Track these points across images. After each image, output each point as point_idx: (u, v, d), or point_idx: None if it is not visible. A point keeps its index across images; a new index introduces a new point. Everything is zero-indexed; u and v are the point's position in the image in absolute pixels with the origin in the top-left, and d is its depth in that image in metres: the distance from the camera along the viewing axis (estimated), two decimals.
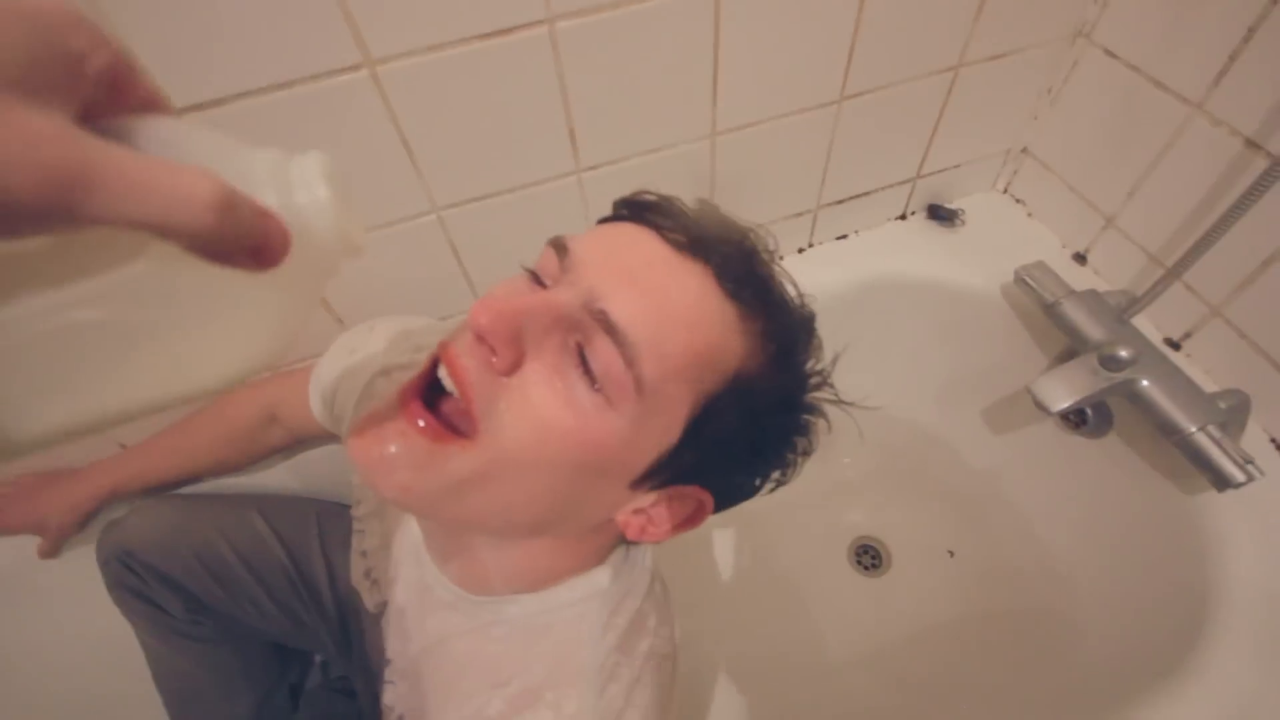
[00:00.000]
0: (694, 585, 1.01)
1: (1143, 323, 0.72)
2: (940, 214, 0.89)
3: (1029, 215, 0.89)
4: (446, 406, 0.34)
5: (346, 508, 0.59)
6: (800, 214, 0.83)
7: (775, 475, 0.42)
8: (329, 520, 0.74)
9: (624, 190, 0.67)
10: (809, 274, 0.86)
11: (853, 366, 0.95)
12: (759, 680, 0.95)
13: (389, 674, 0.50)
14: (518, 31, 0.53)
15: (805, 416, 0.40)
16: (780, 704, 0.93)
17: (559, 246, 0.35)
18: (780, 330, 0.36)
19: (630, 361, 0.31)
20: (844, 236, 0.89)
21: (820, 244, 0.88)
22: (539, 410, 0.32)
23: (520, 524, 0.37)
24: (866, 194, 0.84)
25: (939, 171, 0.85)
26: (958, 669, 0.92)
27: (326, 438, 0.65)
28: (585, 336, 0.32)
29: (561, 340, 0.33)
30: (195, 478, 0.74)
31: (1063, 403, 0.66)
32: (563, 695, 0.38)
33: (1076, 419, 0.80)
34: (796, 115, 0.69)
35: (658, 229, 0.35)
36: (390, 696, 0.49)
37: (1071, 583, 0.86)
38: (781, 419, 0.39)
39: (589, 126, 0.62)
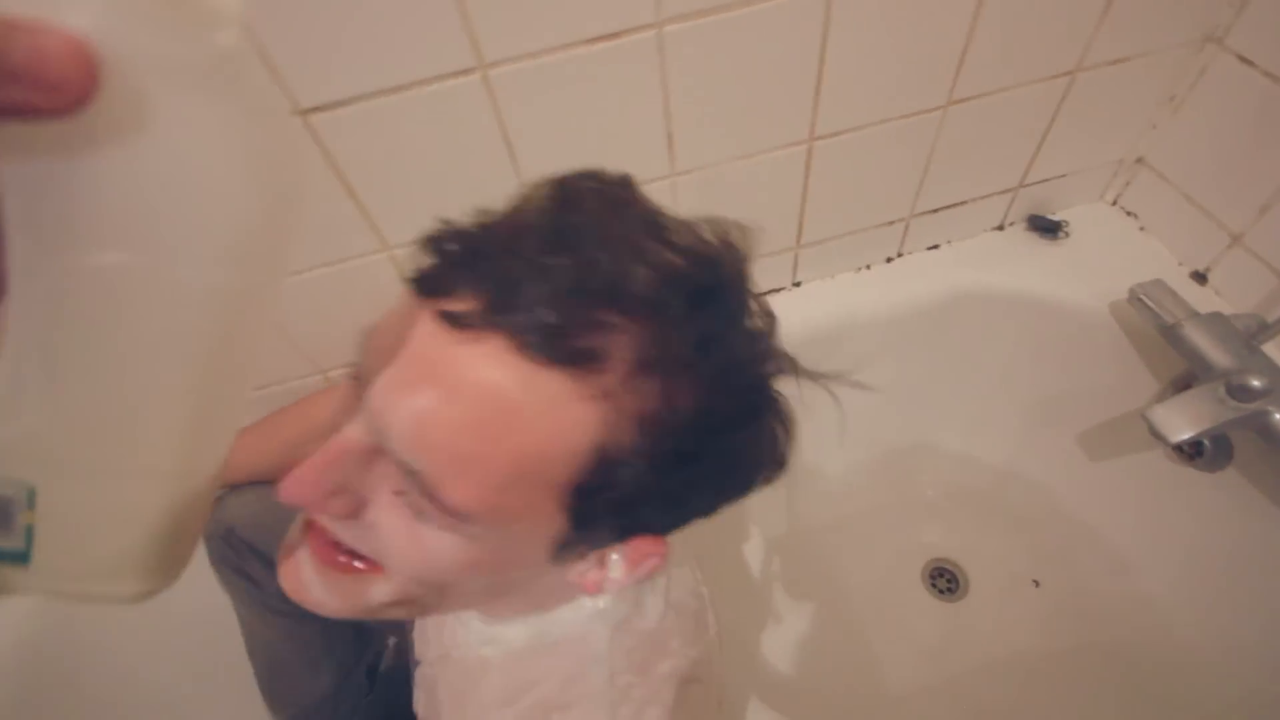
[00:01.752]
0: (755, 600, 0.99)
1: (1274, 351, 0.67)
2: (1042, 225, 0.84)
3: (1141, 229, 0.83)
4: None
5: None
6: (892, 222, 0.80)
7: (753, 481, 0.34)
8: None
9: (715, 197, 0.68)
10: (897, 285, 0.84)
11: (937, 380, 0.93)
12: (821, 701, 0.93)
13: (416, 677, 0.51)
14: (625, 36, 0.53)
15: (754, 420, 0.31)
16: None
17: (359, 350, 0.29)
18: (663, 364, 0.27)
19: (429, 494, 0.26)
20: (935, 246, 0.86)
21: (910, 254, 0.85)
22: (395, 546, 0.29)
23: (473, 605, 0.38)
24: (963, 203, 0.80)
25: (1043, 181, 0.81)
26: (1040, 702, 0.88)
27: None
28: (400, 464, 0.27)
29: (383, 471, 0.28)
30: (274, 478, 0.74)
31: (1184, 433, 0.62)
32: (571, 714, 0.37)
33: (1191, 450, 0.74)
34: (899, 120, 0.67)
35: (436, 303, 0.27)
36: (416, 701, 0.50)
37: (1172, 620, 0.81)
38: (712, 445, 0.29)
39: (688, 131, 0.61)
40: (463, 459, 0.26)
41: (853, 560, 1.03)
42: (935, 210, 0.80)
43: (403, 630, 0.80)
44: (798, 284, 0.85)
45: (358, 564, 0.31)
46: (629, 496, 0.28)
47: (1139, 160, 0.81)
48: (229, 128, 0.17)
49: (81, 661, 0.76)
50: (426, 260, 0.28)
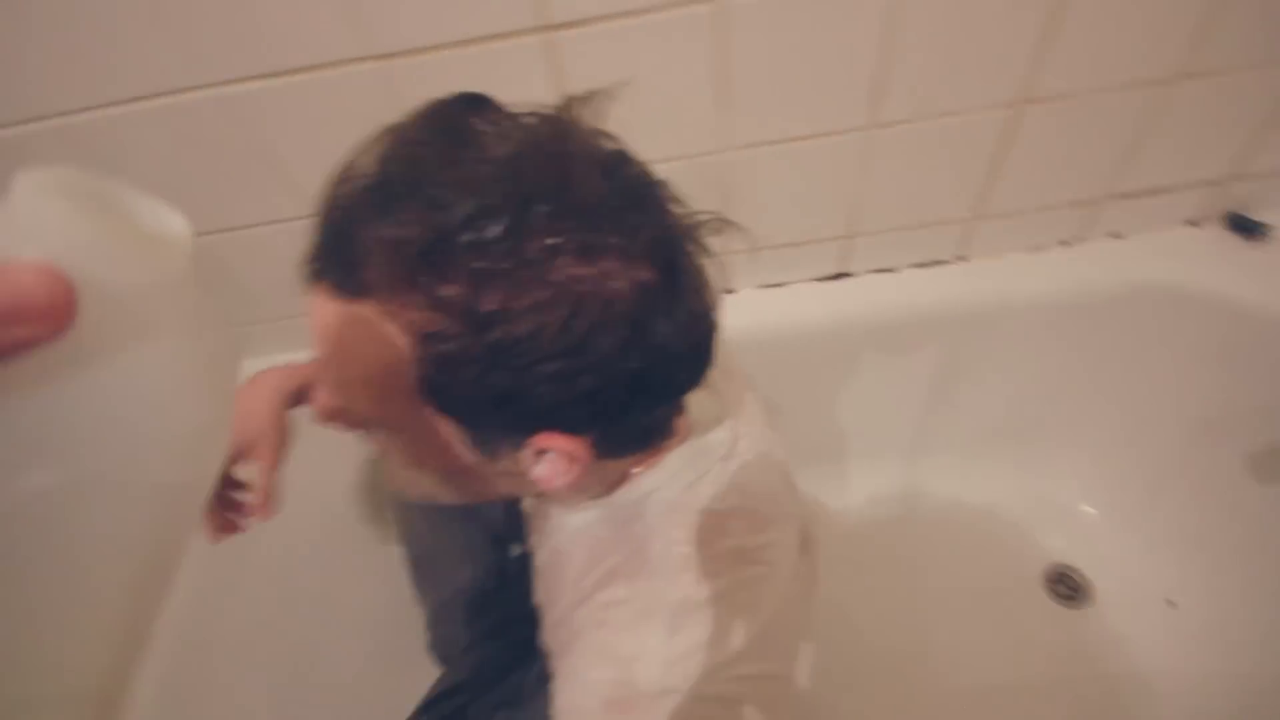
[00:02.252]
0: (867, 576, 0.99)
1: None
2: (1244, 225, 0.78)
3: None
4: None
5: None
6: (1081, 202, 0.77)
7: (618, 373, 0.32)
8: None
9: (913, 152, 0.67)
10: (1071, 271, 0.81)
11: (1097, 375, 0.89)
12: (916, 685, 0.92)
13: (533, 573, 0.56)
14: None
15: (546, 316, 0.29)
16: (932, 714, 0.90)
17: None
18: (421, 280, 0.29)
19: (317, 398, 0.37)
20: (1120, 235, 0.82)
21: (1091, 240, 0.82)
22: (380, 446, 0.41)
23: (511, 493, 0.46)
24: (1164, 190, 0.76)
25: (1256, 176, 0.75)
26: None
27: None
28: None
29: None
30: None
31: None
32: (637, 576, 0.41)
33: None
34: (1116, 92, 0.64)
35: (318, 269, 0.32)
36: (535, 592, 0.55)
37: None
38: (508, 337, 0.29)
39: (747, 104, 0.62)
40: (336, 382, 0.35)
41: (971, 551, 1.01)
42: (1132, 194, 0.76)
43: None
44: (963, 258, 0.83)
45: None
46: (472, 394, 0.31)
47: None
48: (181, 345, 0.18)
49: None
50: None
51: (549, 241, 0.28)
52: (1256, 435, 0.82)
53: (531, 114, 0.31)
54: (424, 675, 0.85)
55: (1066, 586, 0.98)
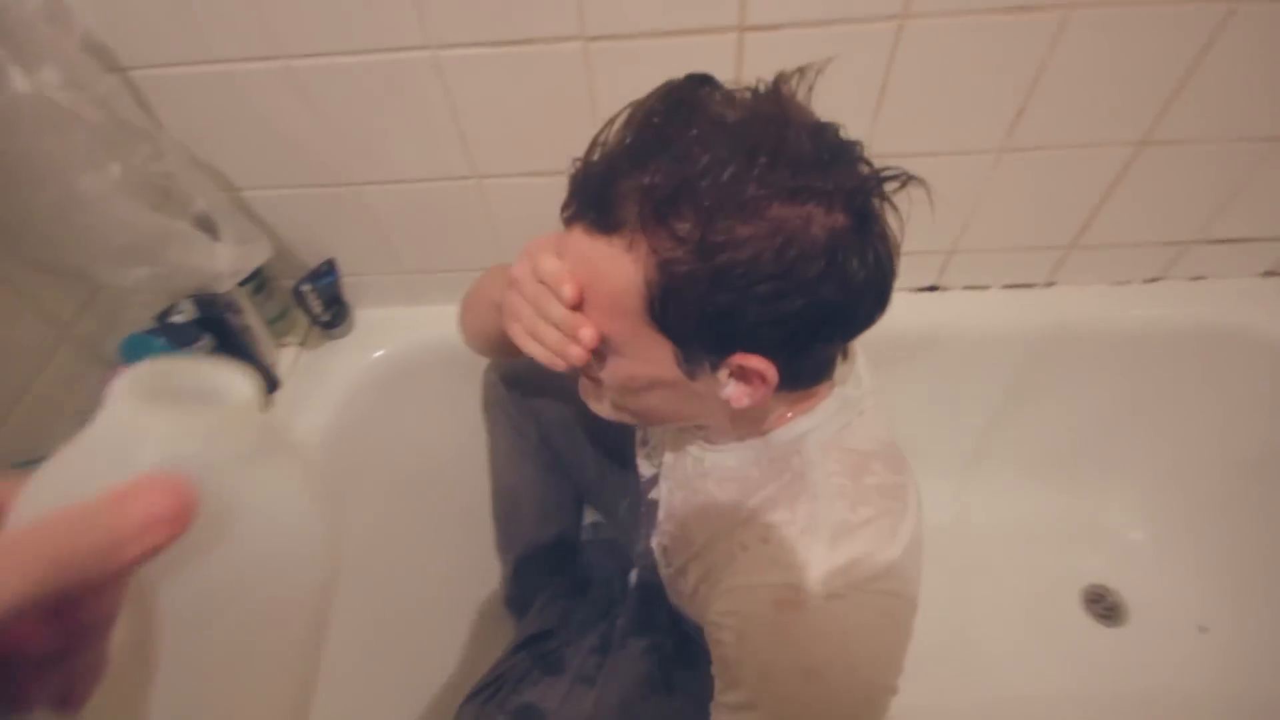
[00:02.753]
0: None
1: None
2: None
3: None
4: None
5: None
6: (1171, 243, 0.82)
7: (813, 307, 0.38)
8: None
9: (1032, 178, 0.72)
10: (1150, 309, 0.86)
11: (1156, 407, 0.94)
12: (959, 685, 0.97)
13: (660, 521, 0.62)
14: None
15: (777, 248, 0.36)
16: None
17: None
18: (691, 226, 0.36)
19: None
20: (1200, 278, 0.87)
21: (1172, 279, 0.87)
22: (602, 373, 0.46)
23: (678, 421, 0.52)
24: (1248, 240, 0.82)
25: None
26: None
27: None
28: None
29: None
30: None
31: None
32: (797, 501, 0.47)
33: None
34: (1229, 144, 0.70)
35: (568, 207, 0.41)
36: (658, 539, 0.62)
37: None
38: (726, 269, 0.36)
39: (895, 116, 0.68)
40: (589, 305, 0.41)
41: (1013, 563, 1.06)
42: (1221, 241, 0.82)
43: (610, 511, 0.91)
44: (1051, 284, 0.88)
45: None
46: (694, 316, 0.38)
47: None
48: (287, 472, 0.21)
49: None
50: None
51: (765, 188, 0.35)
52: None
53: (749, 89, 0.39)
54: (502, 631, 0.89)
55: (1104, 606, 1.03)
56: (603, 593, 0.88)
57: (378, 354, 0.89)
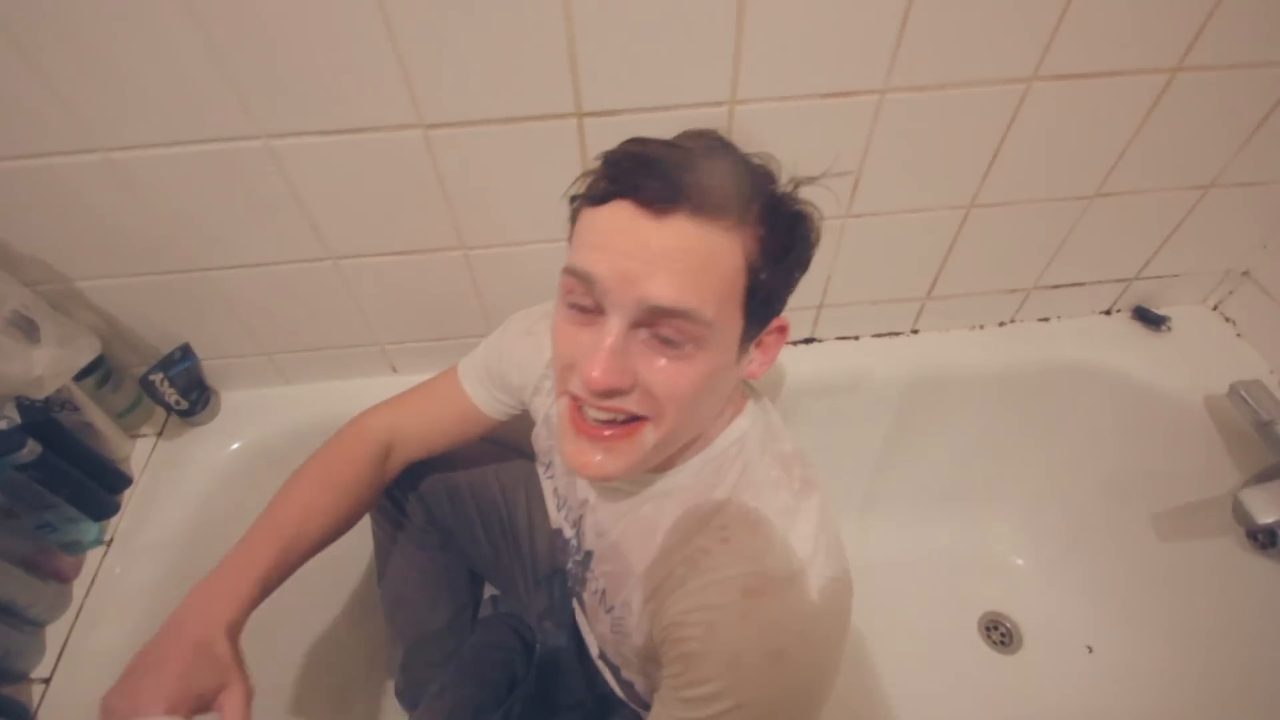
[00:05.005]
0: None
1: None
2: (1148, 317, 0.92)
3: (1238, 335, 0.91)
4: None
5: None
6: (1015, 290, 0.88)
7: (807, 260, 0.48)
8: (533, 482, 0.84)
9: (881, 237, 0.76)
10: (1005, 348, 0.92)
11: (1023, 440, 1.00)
12: None
13: (593, 566, 0.61)
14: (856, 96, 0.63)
15: (806, 226, 0.47)
16: None
17: (580, 276, 0.43)
18: (763, 209, 0.43)
19: (687, 319, 0.41)
20: (1046, 319, 0.94)
21: (1022, 321, 0.94)
22: (666, 383, 0.43)
23: (691, 436, 0.51)
24: (1082, 284, 0.89)
25: (1157, 277, 0.89)
26: None
27: (447, 450, 0.72)
28: (653, 326, 0.42)
29: (642, 346, 0.43)
30: (329, 539, 0.62)
31: (1272, 516, 0.68)
32: (744, 496, 0.50)
33: (1265, 540, 0.81)
34: (1050, 202, 0.76)
35: (636, 198, 0.41)
36: (593, 584, 0.61)
37: (1232, 703, 0.85)
38: (792, 244, 0.45)
39: (873, 175, 0.71)
40: (702, 290, 0.40)
41: (911, 598, 1.09)
42: (1057, 286, 0.88)
43: (508, 583, 0.88)
44: (915, 331, 0.93)
45: (629, 424, 0.46)
46: (767, 289, 0.44)
47: (1245, 273, 0.89)
48: None
49: None
50: (604, 175, 0.43)
51: (792, 185, 0.46)
52: (1157, 498, 0.94)
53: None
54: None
55: (999, 633, 1.07)
56: (503, 674, 0.84)
57: (238, 443, 0.84)
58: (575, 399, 0.46)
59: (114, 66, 0.55)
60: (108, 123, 0.58)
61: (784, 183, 0.46)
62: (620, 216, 0.41)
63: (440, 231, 0.71)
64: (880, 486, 1.07)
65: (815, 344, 0.93)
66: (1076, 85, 0.64)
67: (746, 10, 0.56)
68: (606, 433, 0.46)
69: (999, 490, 1.07)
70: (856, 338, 0.93)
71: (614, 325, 0.41)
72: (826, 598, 0.46)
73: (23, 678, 0.66)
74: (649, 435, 0.46)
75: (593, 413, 0.45)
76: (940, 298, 0.88)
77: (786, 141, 0.64)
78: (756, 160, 0.46)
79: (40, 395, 0.63)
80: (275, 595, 0.55)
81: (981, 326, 0.94)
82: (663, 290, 0.40)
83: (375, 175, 0.65)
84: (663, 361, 0.43)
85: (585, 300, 0.43)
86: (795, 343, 0.93)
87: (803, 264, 0.47)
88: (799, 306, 0.87)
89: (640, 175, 0.41)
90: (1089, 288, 0.90)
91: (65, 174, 0.61)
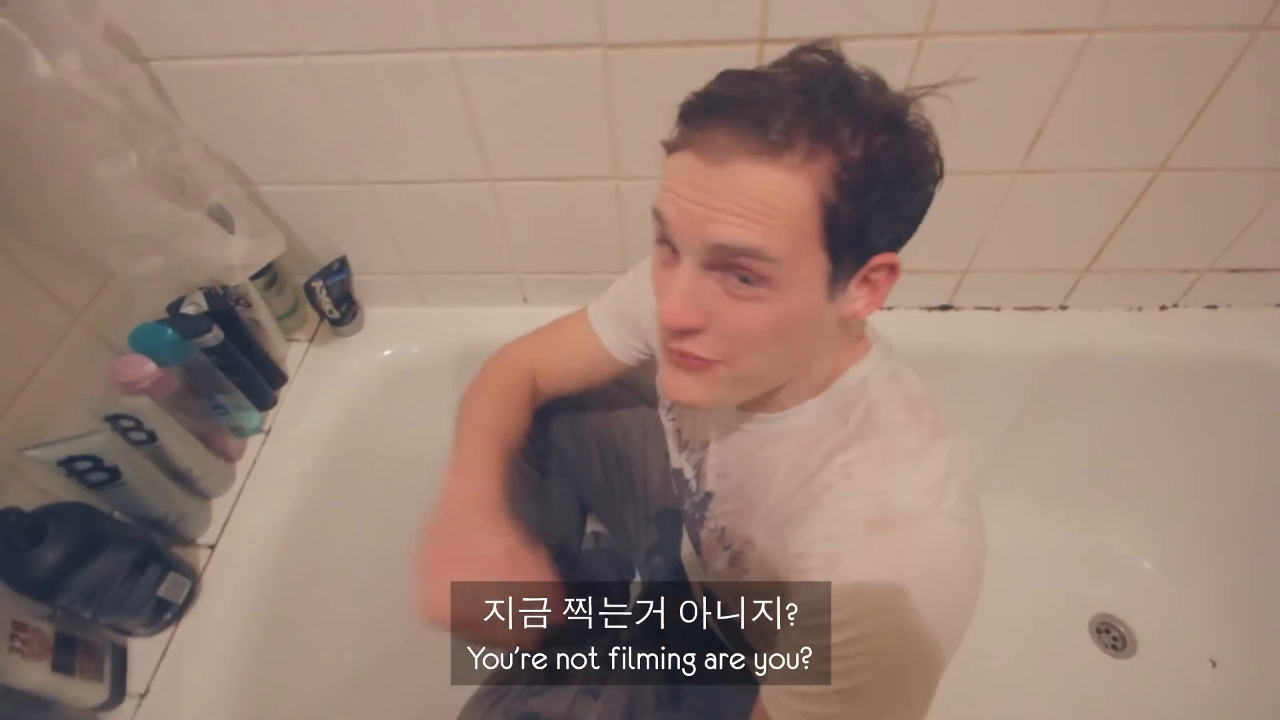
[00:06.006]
0: None
1: None
2: None
3: None
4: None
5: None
6: (1186, 270, 0.82)
7: (930, 192, 0.44)
8: (652, 425, 0.85)
9: (1044, 201, 0.72)
10: (1166, 336, 0.86)
11: (1170, 435, 0.93)
12: (965, 713, 0.95)
13: (712, 506, 0.62)
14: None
15: (906, 152, 0.42)
16: None
17: (658, 218, 0.44)
18: (843, 139, 0.40)
19: (756, 258, 0.40)
20: (1214, 306, 0.86)
21: (1187, 307, 0.87)
22: (738, 325, 0.43)
23: (784, 377, 0.50)
24: (1265, 270, 0.81)
25: None
26: None
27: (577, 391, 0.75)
28: (726, 268, 0.42)
29: (718, 287, 0.43)
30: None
31: None
32: (870, 437, 0.48)
33: None
34: (1247, 172, 0.69)
35: (695, 149, 0.41)
36: (712, 523, 0.61)
37: None
38: (880, 177, 0.41)
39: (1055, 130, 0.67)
40: (768, 229, 0.40)
41: (1023, 590, 1.04)
42: (1236, 270, 0.81)
43: (616, 518, 0.90)
44: (1064, 307, 0.88)
45: (710, 360, 0.46)
46: (853, 224, 0.41)
47: None
48: None
49: None
50: (676, 122, 0.43)
51: (892, 104, 0.41)
52: None
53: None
54: None
55: (1112, 636, 1.01)
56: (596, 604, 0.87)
57: (386, 353, 0.89)
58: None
59: None
60: (315, 27, 0.61)
61: (889, 99, 0.42)
62: (685, 165, 0.42)
63: (598, 159, 0.72)
64: (998, 470, 1.03)
65: (951, 311, 0.89)
66: None
67: None
68: (694, 363, 0.47)
69: (1132, 486, 1.01)
70: (998, 309, 0.88)
71: (686, 264, 0.43)
72: (956, 541, 0.44)
73: (191, 542, 0.72)
74: (722, 372, 0.47)
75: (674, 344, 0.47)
76: (1100, 271, 0.82)
77: (981, 82, 0.62)
78: (865, 77, 0.42)
79: (232, 282, 0.68)
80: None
81: (1140, 308, 0.87)
82: (726, 230, 0.40)
83: (547, 95, 0.66)
84: (735, 303, 0.43)
85: (664, 237, 0.45)
86: (930, 309, 0.89)
87: (910, 192, 0.43)
88: (940, 269, 0.84)
89: (700, 125, 0.41)
90: (1269, 275, 0.82)
91: (268, 76, 0.65)
